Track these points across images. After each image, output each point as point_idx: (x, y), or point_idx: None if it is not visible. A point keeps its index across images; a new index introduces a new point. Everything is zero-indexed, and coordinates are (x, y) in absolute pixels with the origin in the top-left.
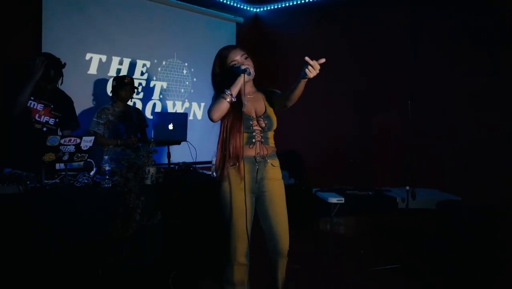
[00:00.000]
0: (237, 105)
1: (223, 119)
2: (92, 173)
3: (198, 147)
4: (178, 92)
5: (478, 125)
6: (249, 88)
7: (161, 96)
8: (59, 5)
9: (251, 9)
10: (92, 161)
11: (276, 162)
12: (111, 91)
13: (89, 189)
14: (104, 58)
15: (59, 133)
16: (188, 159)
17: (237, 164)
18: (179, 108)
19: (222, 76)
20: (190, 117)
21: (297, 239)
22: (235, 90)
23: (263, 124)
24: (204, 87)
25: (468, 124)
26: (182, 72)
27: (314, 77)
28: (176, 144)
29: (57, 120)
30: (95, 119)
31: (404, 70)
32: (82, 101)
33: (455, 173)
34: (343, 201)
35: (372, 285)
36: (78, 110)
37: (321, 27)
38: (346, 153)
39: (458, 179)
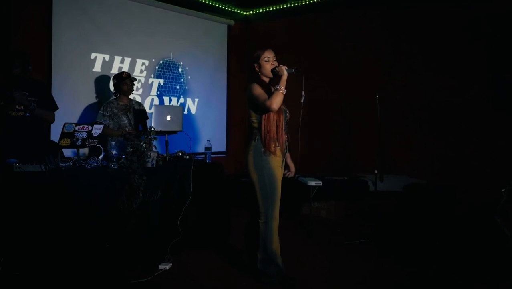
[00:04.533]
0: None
1: (263, 111)
2: (100, 156)
3: (192, 138)
4: (174, 88)
5: (443, 120)
6: None
7: (158, 92)
8: (68, 10)
9: (242, 12)
10: (101, 146)
11: None
12: (114, 89)
13: (98, 170)
14: (107, 57)
15: None
16: (184, 149)
17: (279, 145)
18: (174, 104)
19: (253, 69)
20: (185, 112)
21: (283, 221)
22: (284, 85)
23: (289, 116)
24: (198, 84)
25: (433, 118)
26: (178, 71)
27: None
28: (173, 133)
29: (34, 104)
30: (101, 112)
31: (380, 69)
32: (87, 96)
33: (423, 161)
34: (320, 184)
35: (340, 254)
36: (83, 104)
37: (309, 30)
38: (329, 144)
39: (426, 166)
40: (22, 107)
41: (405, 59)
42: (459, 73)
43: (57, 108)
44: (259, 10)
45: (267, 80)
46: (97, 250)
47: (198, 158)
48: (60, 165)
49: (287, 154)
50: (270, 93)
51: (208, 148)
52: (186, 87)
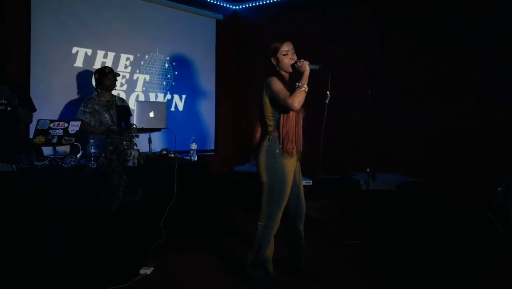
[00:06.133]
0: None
1: (283, 109)
2: (78, 155)
3: (178, 136)
4: (160, 84)
5: (437, 117)
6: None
7: (143, 88)
8: (47, 1)
9: (231, 6)
10: (79, 144)
11: None
12: (95, 84)
13: (76, 169)
14: (89, 52)
15: None
16: (169, 147)
17: (295, 147)
18: (161, 100)
19: (270, 64)
20: (172, 108)
21: None
22: (306, 82)
23: (304, 114)
24: (185, 80)
25: (428, 115)
26: (164, 66)
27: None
28: (156, 131)
29: (16, 99)
30: (81, 108)
31: (372, 66)
32: (69, 92)
33: (417, 159)
34: (311, 183)
35: (331, 255)
36: (64, 101)
37: (299, 25)
38: (321, 143)
39: (420, 164)
40: (5, 101)
41: (399, 56)
42: (453, 71)
43: (35, 110)
44: (248, 5)
45: (286, 75)
46: (75, 254)
47: (184, 157)
48: (34, 164)
49: None
50: (290, 89)
51: (193, 146)
52: (173, 83)
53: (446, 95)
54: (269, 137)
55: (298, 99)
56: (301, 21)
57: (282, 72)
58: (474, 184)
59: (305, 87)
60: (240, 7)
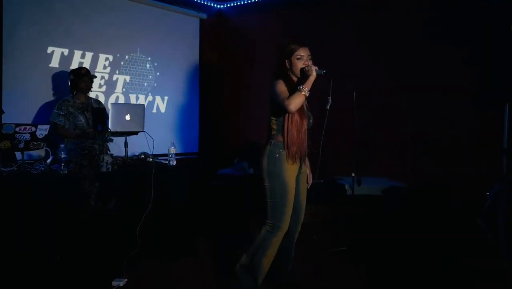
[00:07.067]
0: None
1: (283, 112)
2: (48, 161)
3: (160, 139)
4: (141, 86)
5: (424, 120)
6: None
7: (124, 89)
8: None
9: (215, 5)
10: (49, 149)
11: None
12: (70, 85)
13: (45, 176)
14: (66, 51)
15: None
16: (147, 151)
17: (298, 152)
18: (142, 102)
19: (282, 65)
20: (154, 110)
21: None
22: (309, 87)
23: (312, 122)
24: (168, 81)
25: (415, 118)
26: (145, 66)
27: None
28: (133, 134)
29: None
30: (55, 110)
31: (359, 66)
32: (44, 94)
33: (401, 163)
34: None
35: (317, 263)
36: (39, 103)
37: (284, 25)
38: (320, 148)
39: (405, 168)
40: None
41: (385, 57)
42: (443, 72)
43: (3, 112)
44: (233, 4)
45: (295, 79)
46: (43, 265)
47: (163, 161)
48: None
49: (306, 163)
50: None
51: (172, 150)
52: (155, 84)
53: (437, 97)
54: (271, 141)
55: (294, 102)
56: (286, 21)
57: (293, 77)
58: (463, 190)
59: (305, 91)
60: (225, 6)
